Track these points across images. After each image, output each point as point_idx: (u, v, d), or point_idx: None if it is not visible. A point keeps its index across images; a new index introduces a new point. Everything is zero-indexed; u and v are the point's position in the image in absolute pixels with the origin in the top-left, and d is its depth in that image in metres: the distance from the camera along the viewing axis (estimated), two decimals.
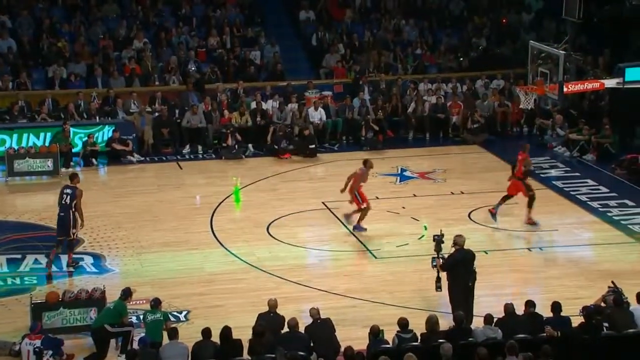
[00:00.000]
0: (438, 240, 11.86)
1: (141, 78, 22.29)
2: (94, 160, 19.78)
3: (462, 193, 17.52)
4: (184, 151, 20.75)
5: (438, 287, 11.87)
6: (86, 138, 19.95)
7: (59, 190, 14.09)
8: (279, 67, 23.05)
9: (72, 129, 19.90)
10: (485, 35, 24.53)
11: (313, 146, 20.41)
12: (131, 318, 11.72)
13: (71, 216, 13.78)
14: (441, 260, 11.89)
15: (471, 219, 15.99)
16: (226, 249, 14.90)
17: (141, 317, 11.71)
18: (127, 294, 11.40)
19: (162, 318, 11.10)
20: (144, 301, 12.14)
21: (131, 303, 11.69)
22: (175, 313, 12.33)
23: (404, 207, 16.68)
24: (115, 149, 19.96)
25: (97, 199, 17.41)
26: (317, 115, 21.35)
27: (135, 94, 21.47)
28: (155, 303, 11.24)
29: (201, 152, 20.77)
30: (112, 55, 22.70)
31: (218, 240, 15.25)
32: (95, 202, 17.13)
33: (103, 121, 20.60)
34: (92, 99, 21.27)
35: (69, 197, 13.81)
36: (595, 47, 22.83)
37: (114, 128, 20.20)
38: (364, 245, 14.93)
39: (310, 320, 10.83)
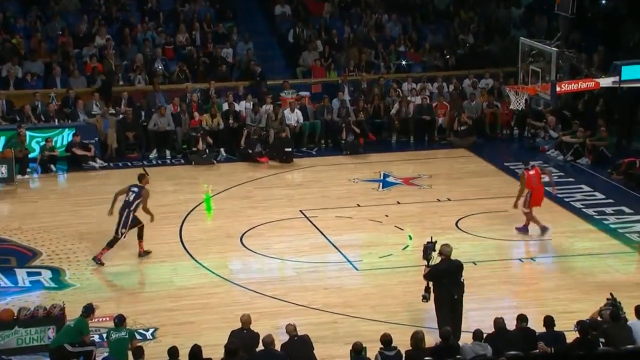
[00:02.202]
0: (428, 247, 11.85)
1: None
2: (52, 166, 19.66)
3: (449, 200, 17.60)
4: (150, 156, 20.69)
5: (424, 297, 11.87)
6: (44, 142, 19.82)
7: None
8: (253, 65, 23.05)
9: (28, 133, 19.77)
10: (473, 32, 24.68)
11: (290, 150, 20.41)
12: (93, 337, 11.64)
13: (125, 214, 14.27)
14: (427, 269, 11.91)
15: (459, 228, 16.06)
16: (197, 261, 14.86)
17: (104, 335, 11.64)
18: (89, 310, 11.34)
19: (127, 336, 11.04)
20: (108, 318, 12.09)
21: (93, 320, 11.63)
22: (141, 331, 12.26)
23: (387, 216, 16.72)
24: (76, 154, 19.86)
25: (56, 208, 17.33)
26: (293, 117, 21.36)
27: (98, 95, 21.37)
28: (120, 320, 11.18)
29: (169, 157, 20.73)
30: (72, 52, 22.59)
31: (188, 252, 15.20)
32: (54, 212, 17.07)
33: (62, 124, 20.48)
34: (51, 100, 21.15)
35: (133, 195, 14.44)
36: (589, 44, 23.04)
37: (74, 131, 20.09)
38: (345, 257, 14.96)
39: (286, 337, 10.82)
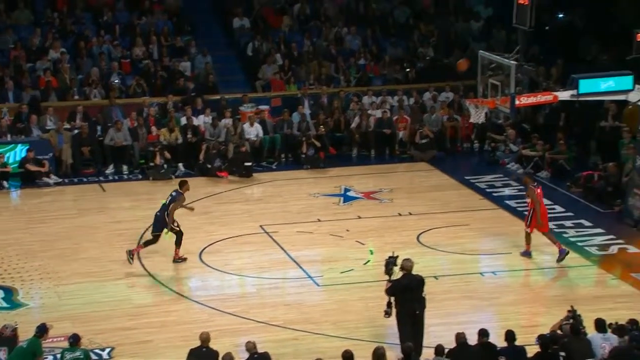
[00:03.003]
0: (389, 262, 11.89)
1: (58, 92, 21.99)
2: (5, 182, 19.42)
3: (410, 214, 17.70)
4: (107, 171, 20.53)
5: (386, 313, 11.91)
6: None
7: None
8: (212, 79, 23.01)
9: None
10: (433, 45, 24.91)
11: (249, 165, 20.39)
12: (47, 357, 11.53)
13: (166, 217, 15.01)
14: (388, 285, 11.94)
15: (420, 242, 16.15)
16: (154, 278, 14.76)
17: (58, 356, 11.47)
18: (42, 330, 11.18)
19: (82, 356, 10.92)
20: (62, 338, 11.91)
21: (47, 341, 11.47)
22: (97, 351, 12.16)
23: (348, 230, 16.75)
24: (30, 170, 19.63)
25: (9, 225, 17.11)
26: (253, 131, 21.35)
27: (52, 109, 21.18)
28: (75, 340, 11.05)
29: (126, 172, 20.59)
30: (25, 66, 22.35)
31: (145, 269, 15.09)
32: (6, 230, 16.84)
33: (15, 139, 20.24)
34: (3, 115, 20.88)
35: (170, 198, 15.18)
36: (547, 57, 23.38)
37: (28, 147, 19.87)
38: (306, 272, 14.95)
39: (246, 355, 10.78)
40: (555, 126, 21.35)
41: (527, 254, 15.44)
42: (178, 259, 15.23)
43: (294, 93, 23.14)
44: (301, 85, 23.37)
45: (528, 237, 15.41)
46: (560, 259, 15.13)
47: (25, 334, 11.53)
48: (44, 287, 14.36)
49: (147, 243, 15.15)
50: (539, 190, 15.40)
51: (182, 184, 15.40)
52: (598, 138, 20.96)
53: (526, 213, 15.63)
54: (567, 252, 15.16)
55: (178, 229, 15.15)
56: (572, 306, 11.67)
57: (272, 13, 25.54)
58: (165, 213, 15.02)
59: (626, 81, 15.69)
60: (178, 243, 15.19)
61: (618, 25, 22.92)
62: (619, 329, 10.94)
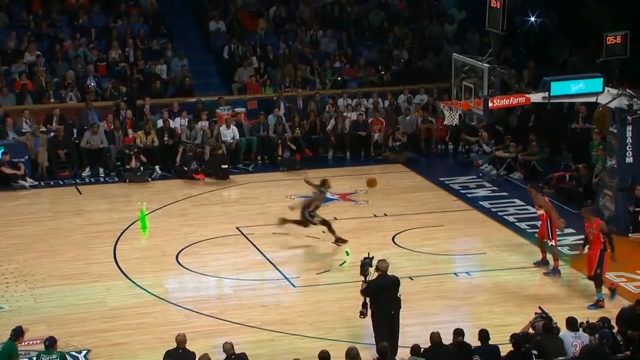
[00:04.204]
0: (365, 263, 11.91)
1: (34, 95, 21.82)
2: None
3: (386, 215, 17.73)
4: (83, 174, 20.40)
5: (362, 313, 11.92)
6: None
7: None
8: (188, 81, 22.93)
9: None
10: (407, 48, 24.99)
11: (225, 167, 20.34)
12: None
13: (306, 212, 15.86)
14: (364, 285, 11.96)
15: (395, 243, 16.18)
16: (131, 280, 14.67)
17: (34, 359, 11.38)
18: (18, 333, 11.09)
19: (58, 359, 10.82)
20: (38, 341, 11.82)
21: (23, 343, 11.38)
22: (73, 353, 12.07)
23: (324, 232, 16.73)
24: (5, 173, 19.46)
25: None
26: (229, 133, 21.30)
27: (28, 112, 21.02)
28: (50, 342, 10.96)
29: (103, 175, 20.47)
30: (1, 69, 22.14)
31: (122, 271, 15.01)
32: None
33: None
34: None
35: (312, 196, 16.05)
36: (519, 60, 23.51)
37: (3, 150, 19.72)
38: (282, 273, 14.93)
39: (224, 356, 10.74)
40: (527, 128, 21.50)
41: (555, 271, 14.68)
42: (339, 242, 15.87)
43: (270, 96, 23.12)
44: (277, 88, 23.34)
45: (554, 251, 14.75)
46: (537, 264, 15.11)
47: (1, 337, 11.43)
48: (20, 290, 14.23)
49: (331, 231, 15.94)
50: (546, 198, 15.27)
51: (323, 182, 16.15)
52: (569, 139, 21.11)
53: (539, 226, 15.08)
54: (554, 269, 14.79)
55: (320, 219, 15.86)
56: (540, 307, 11.74)
57: (248, 16, 25.50)
58: (307, 210, 15.79)
59: (596, 83, 15.82)
60: (332, 231, 15.87)
61: (588, 27, 23.14)
62: (589, 328, 11.02)
